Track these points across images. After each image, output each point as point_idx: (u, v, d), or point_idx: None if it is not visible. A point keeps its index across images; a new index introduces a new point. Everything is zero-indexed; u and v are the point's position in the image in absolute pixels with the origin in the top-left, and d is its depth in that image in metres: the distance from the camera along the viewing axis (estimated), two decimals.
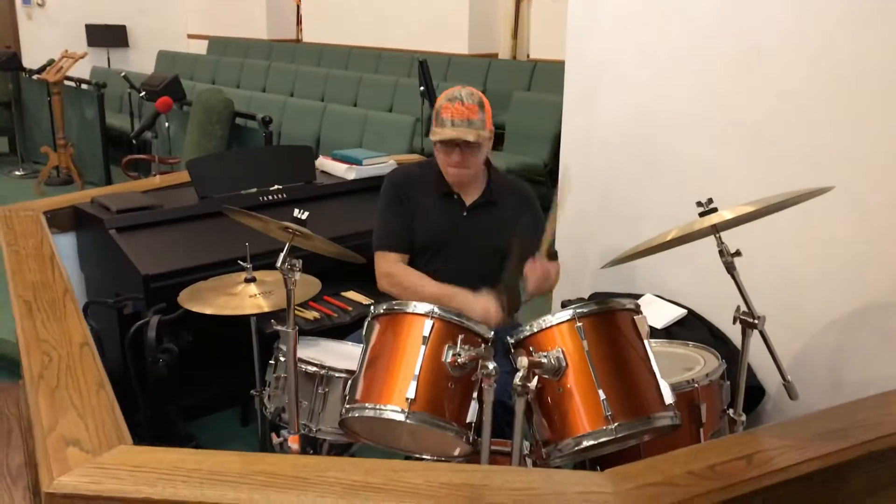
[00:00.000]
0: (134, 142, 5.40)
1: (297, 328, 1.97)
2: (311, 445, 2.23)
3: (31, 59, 8.70)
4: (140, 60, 10.52)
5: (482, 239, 2.47)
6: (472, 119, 2.35)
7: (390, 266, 2.49)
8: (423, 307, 1.86)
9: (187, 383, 3.06)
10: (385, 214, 2.55)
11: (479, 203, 2.54)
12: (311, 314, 2.96)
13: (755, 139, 2.53)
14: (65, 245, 3.15)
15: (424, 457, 1.96)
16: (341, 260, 2.19)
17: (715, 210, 1.76)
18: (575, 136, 3.20)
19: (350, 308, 3.05)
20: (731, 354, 2.44)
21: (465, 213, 2.51)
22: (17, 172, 7.43)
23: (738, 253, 1.77)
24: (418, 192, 2.53)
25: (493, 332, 1.89)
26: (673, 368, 2.10)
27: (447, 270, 2.39)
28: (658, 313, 2.72)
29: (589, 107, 3.09)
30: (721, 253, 1.77)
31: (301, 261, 1.93)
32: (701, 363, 2.16)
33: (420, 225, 2.49)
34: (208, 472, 1.40)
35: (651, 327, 2.64)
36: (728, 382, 2.11)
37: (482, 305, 2.26)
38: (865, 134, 2.24)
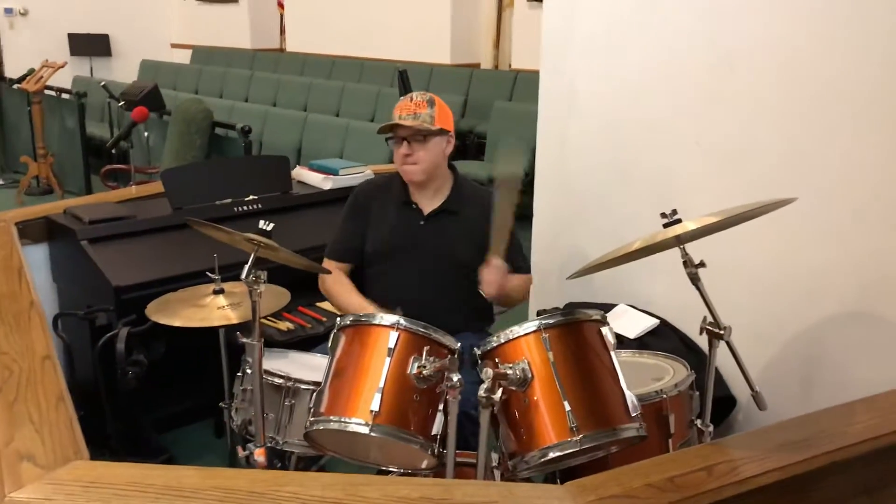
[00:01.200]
0: (113, 151, 5.38)
1: (265, 340, 1.97)
2: (278, 458, 2.22)
3: (14, 67, 8.67)
4: (123, 70, 10.50)
5: (439, 248, 2.47)
6: (417, 112, 2.42)
7: (329, 280, 2.57)
8: (388, 318, 1.85)
9: (160, 395, 3.04)
10: (340, 224, 2.63)
11: (438, 211, 2.54)
12: (284, 325, 2.95)
13: (727, 149, 2.54)
14: (37, 256, 3.13)
15: (392, 469, 1.95)
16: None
17: (679, 221, 1.76)
18: (549, 146, 3.20)
19: (324, 318, 3.03)
20: (702, 364, 2.43)
21: (421, 222, 2.51)
22: None
23: (702, 264, 1.77)
24: (378, 202, 2.57)
25: (459, 344, 1.89)
26: (642, 379, 2.09)
27: (400, 278, 2.40)
28: (631, 323, 2.72)
29: (563, 116, 3.10)
30: (685, 264, 1.77)
31: (266, 273, 1.92)
32: (670, 373, 2.16)
33: (374, 233, 2.52)
34: (164, 488, 1.38)
35: (624, 337, 2.67)
36: (697, 393, 2.10)
37: None
38: (835, 144, 2.25)
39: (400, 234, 2.49)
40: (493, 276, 2.29)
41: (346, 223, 2.61)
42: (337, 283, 2.55)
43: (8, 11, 10.18)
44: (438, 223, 2.52)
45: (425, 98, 2.45)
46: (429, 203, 2.54)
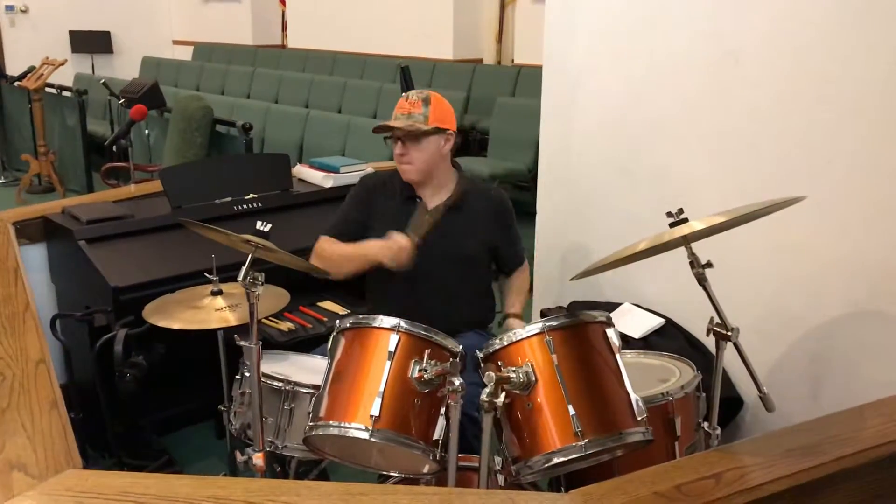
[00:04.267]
0: (113, 149, 5.33)
1: (265, 341, 1.93)
2: (278, 462, 2.19)
3: (15, 65, 8.64)
4: (125, 67, 10.47)
5: (443, 243, 2.43)
6: (412, 112, 2.40)
7: (322, 243, 2.53)
8: (389, 321, 1.82)
9: (160, 396, 3.00)
10: (343, 207, 2.61)
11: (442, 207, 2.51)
12: (285, 325, 2.91)
13: (733, 146, 2.50)
14: (35, 256, 3.10)
15: (393, 474, 1.92)
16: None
17: (685, 220, 1.72)
18: (553, 143, 3.16)
19: (325, 318, 3.00)
20: (708, 364, 2.40)
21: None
22: None
23: (709, 264, 1.72)
24: (383, 196, 2.55)
25: (461, 347, 1.85)
26: (647, 380, 2.06)
27: (405, 274, 2.36)
28: (636, 322, 2.68)
29: (566, 114, 3.06)
30: (692, 264, 1.72)
31: (264, 274, 1.88)
32: (676, 375, 2.12)
33: (378, 227, 2.48)
34: (156, 497, 1.34)
35: (629, 336, 2.63)
36: (704, 394, 2.06)
37: (386, 244, 2.33)
38: (843, 141, 2.21)
39: (403, 229, 2.45)
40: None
41: (350, 209, 2.59)
42: (329, 246, 2.52)
43: (9, 9, 10.15)
44: (443, 219, 2.49)
45: (421, 97, 2.43)
46: (432, 199, 2.51)
